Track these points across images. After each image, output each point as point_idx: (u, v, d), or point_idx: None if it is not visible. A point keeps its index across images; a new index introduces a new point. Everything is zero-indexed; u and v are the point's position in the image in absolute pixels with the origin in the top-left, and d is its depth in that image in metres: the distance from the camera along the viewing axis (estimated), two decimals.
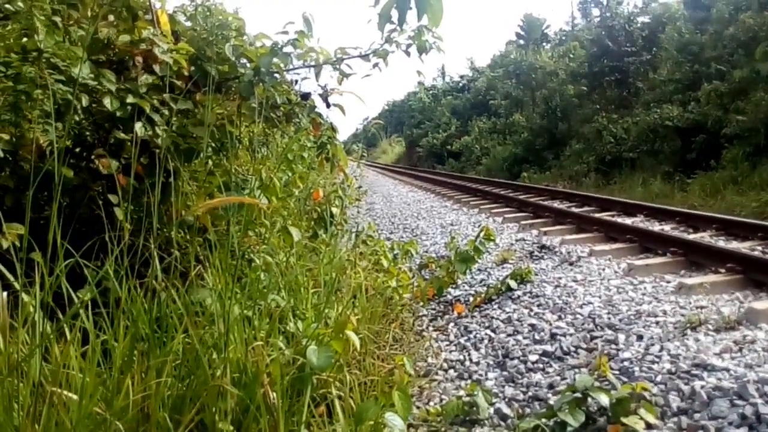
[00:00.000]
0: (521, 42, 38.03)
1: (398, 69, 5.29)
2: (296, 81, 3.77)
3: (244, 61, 3.53)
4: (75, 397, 1.82)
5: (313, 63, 3.69)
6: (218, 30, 3.51)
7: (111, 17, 3.30)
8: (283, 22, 3.54)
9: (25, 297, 1.89)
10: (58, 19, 2.76)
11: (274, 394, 2.21)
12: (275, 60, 3.48)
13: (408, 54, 3.59)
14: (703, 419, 2.43)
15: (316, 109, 3.88)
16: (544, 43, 35.96)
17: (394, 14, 3.35)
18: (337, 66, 3.68)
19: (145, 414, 2.05)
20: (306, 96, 3.79)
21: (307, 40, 3.54)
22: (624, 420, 2.49)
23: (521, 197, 11.23)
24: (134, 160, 2.29)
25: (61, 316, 2.01)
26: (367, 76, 3.76)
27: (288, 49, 3.52)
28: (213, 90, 3.21)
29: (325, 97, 3.80)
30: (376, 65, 3.68)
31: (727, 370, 2.76)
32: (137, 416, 2.02)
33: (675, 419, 2.50)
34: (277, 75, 3.52)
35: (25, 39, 2.83)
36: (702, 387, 2.64)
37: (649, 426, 2.48)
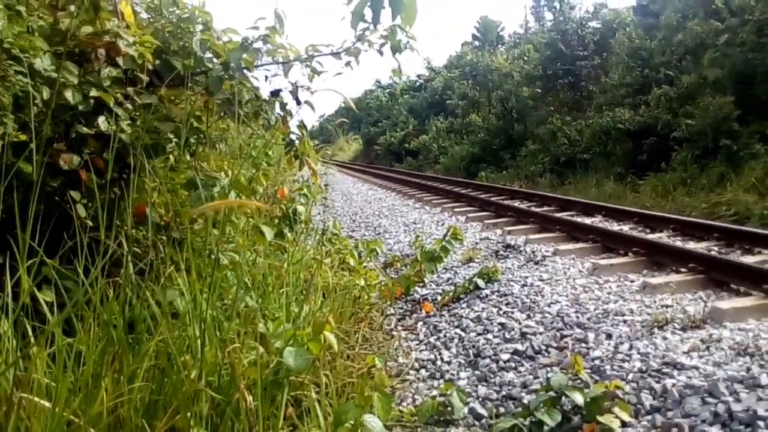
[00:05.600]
0: (477, 43, 38.42)
1: (356, 67, 5.21)
2: (266, 77, 3.70)
3: (210, 55, 3.44)
4: (47, 404, 1.73)
5: (282, 59, 3.62)
6: (184, 23, 3.41)
7: (72, 8, 3.17)
8: (252, 18, 3.47)
9: None
10: (22, 8, 2.62)
11: (251, 397, 2.15)
12: (244, 56, 3.40)
13: (381, 53, 3.56)
14: (676, 417, 2.48)
15: (286, 106, 3.80)
16: (499, 45, 36.42)
17: (368, 13, 3.32)
18: (309, 63, 3.61)
19: (117, 419, 1.97)
20: (276, 93, 3.71)
21: (277, 36, 3.47)
22: (600, 418, 2.52)
23: (482, 196, 11.33)
24: (111, 156, 2.19)
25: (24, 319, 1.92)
26: (338, 74, 3.71)
27: (258, 44, 3.44)
28: (179, 84, 3.12)
29: (295, 94, 3.73)
30: (348, 63, 3.64)
31: (697, 368, 2.82)
32: (109, 422, 1.94)
33: (649, 417, 2.55)
34: (246, 71, 3.44)
35: None
36: (673, 385, 2.69)
37: (624, 424, 2.51)
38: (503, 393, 3.08)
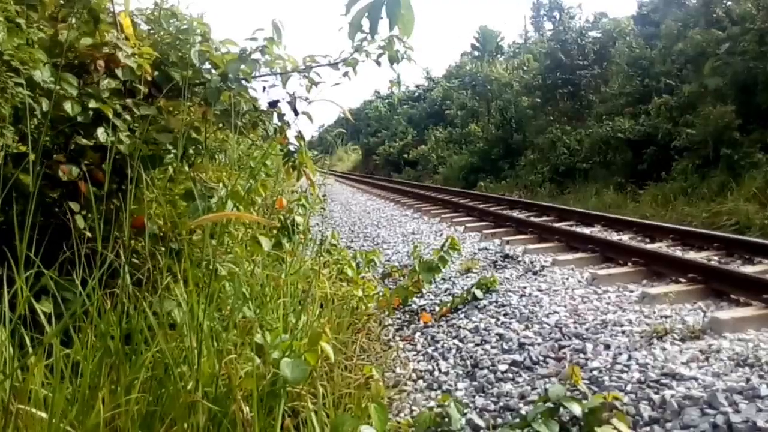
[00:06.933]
0: (476, 54, 38.57)
1: (354, 77, 5.22)
2: (264, 88, 3.71)
3: (208, 66, 3.46)
4: (44, 415, 1.73)
5: (280, 70, 3.63)
6: (183, 34, 3.43)
7: (72, 20, 3.19)
8: (251, 29, 3.49)
9: None
10: (22, 21, 2.64)
11: (248, 408, 2.15)
12: (243, 66, 3.41)
13: (379, 64, 3.58)
14: (675, 428, 2.47)
15: (284, 117, 3.81)
16: (499, 55, 36.55)
17: (365, 23, 3.34)
18: (306, 74, 3.63)
19: (113, 430, 1.97)
20: (274, 104, 3.72)
21: (275, 47, 3.48)
22: (598, 430, 2.51)
23: (481, 206, 11.34)
24: (109, 167, 2.19)
25: (22, 328, 1.92)
26: (336, 84, 3.73)
27: (256, 55, 3.46)
28: (177, 96, 3.13)
29: (293, 105, 3.74)
30: (345, 74, 3.65)
31: (696, 379, 2.82)
32: None
33: (647, 428, 2.54)
34: (244, 81, 3.45)
35: None
36: (672, 396, 2.68)
37: None
38: (501, 404, 3.08)
